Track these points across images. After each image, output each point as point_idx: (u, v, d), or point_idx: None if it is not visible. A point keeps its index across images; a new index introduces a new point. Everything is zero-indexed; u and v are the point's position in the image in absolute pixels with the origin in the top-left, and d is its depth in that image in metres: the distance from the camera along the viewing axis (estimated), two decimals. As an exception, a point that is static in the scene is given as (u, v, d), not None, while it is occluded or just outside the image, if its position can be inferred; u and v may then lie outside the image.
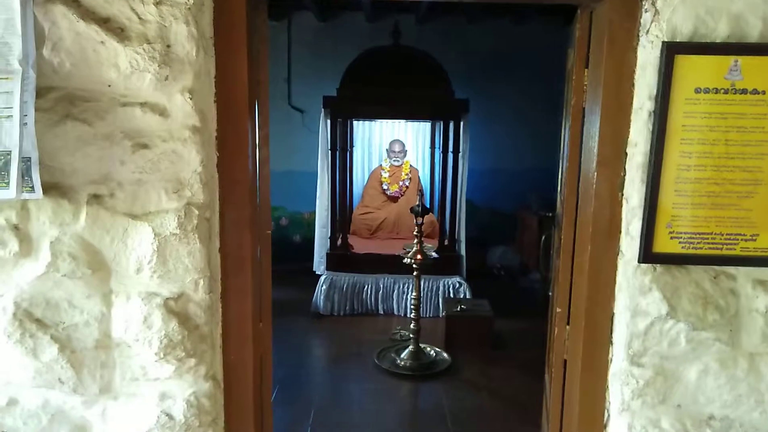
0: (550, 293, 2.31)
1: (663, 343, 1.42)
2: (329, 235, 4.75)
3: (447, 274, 4.68)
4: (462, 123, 4.60)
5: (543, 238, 2.48)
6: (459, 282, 4.72)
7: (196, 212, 1.39)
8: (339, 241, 4.78)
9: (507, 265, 5.96)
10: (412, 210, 3.68)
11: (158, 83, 1.32)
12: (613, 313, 1.50)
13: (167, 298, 1.40)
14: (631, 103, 1.41)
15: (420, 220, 3.66)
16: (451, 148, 4.64)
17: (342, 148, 4.66)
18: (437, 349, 3.96)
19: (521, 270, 5.89)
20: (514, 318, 4.71)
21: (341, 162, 4.68)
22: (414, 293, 3.76)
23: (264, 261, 1.66)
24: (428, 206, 4.21)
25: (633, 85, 1.41)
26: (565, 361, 1.66)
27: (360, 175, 5.91)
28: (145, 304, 1.38)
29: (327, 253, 4.74)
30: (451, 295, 4.70)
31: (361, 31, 5.77)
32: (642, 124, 1.38)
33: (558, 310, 1.69)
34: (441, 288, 4.71)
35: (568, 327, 1.64)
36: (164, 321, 1.39)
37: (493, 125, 5.95)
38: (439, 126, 5.58)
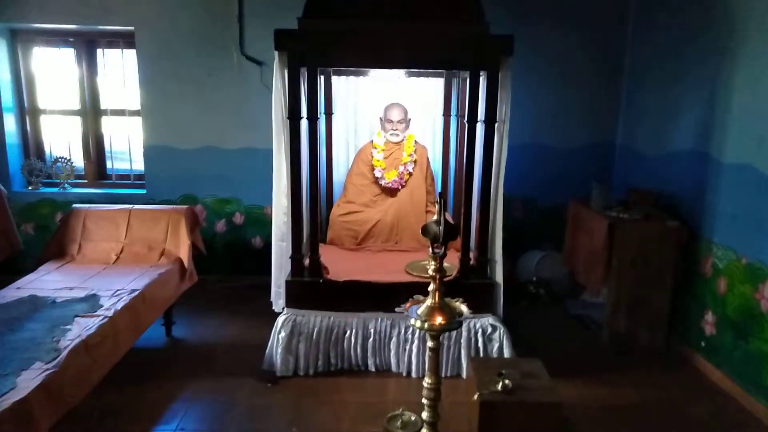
0: None
1: None
2: (291, 252, 3.05)
3: (474, 312, 2.99)
4: (501, 74, 2.85)
5: None
6: (492, 325, 3.04)
7: None
8: (306, 261, 3.08)
9: (548, 279, 4.29)
10: (426, 231, 1.97)
11: None
12: None
13: None
14: None
15: (440, 248, 1.96)
16: (482, 116, 2.90)
17: (310, 117, 2.91)
18: (466, 461, 2.33)
19: (570, 289, 4.23)
20: (575, 377, 3.08)
21: (310, 138, 2.94)
22: (430, 379, 2.09)
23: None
24: (448, 212, 2.46)
25: None
26: None
27: (343, 157, 4.16)
28: None
29: (287, 281, 3.05)
30: (481, 347, 3.03)
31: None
32: None
33: None
34: (465, 334, 3.04)
35: None
36: None
37: (529, 85, 4.21)
38: (458, 81, 3.83)
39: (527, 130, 4.36)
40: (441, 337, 2.72)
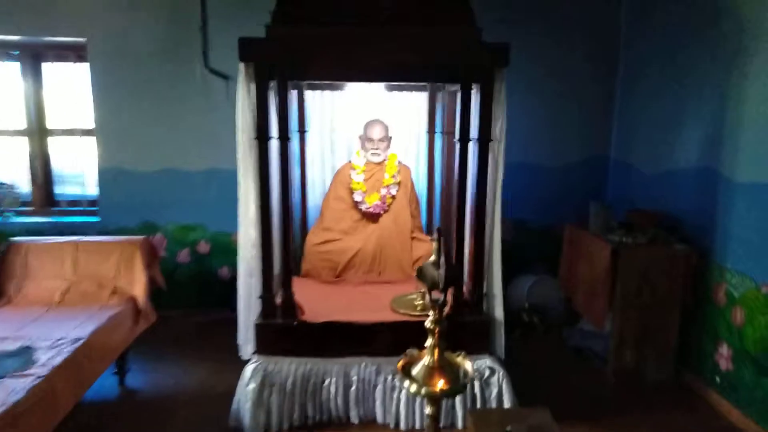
0: None
1: None
2: (260, 290, 2.67)
3: (470, 353, 2.65)
4: (495, 87, 2.55)
5: None
6: (491, 367, 2.70)
7: None
8: (279, 300, 2.71)
9: (542, 306, 3.98)
10: (422, 275, 1.63)
11: None
12: None
13: None
14: None
15: (440, 296, 1.63)
16: (475, 134, 2.59)
17: (281, 136, 2.56)
18: None
19: (566, 316, 3.92)
20: (584, 423, 2.76)
21: (281, 160, 2.59)
22: (426, 450, 1.73)
23: None
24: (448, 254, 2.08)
25: None
26: None
27: (318, 180, 3.80)
28: None
29: (256, 324, 2.67)
30: (478, 393, 2.69)
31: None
32: None
33: None
34: (459, 378, 2.69)
35: None
36: None
37: (520, 98, 3.93)
38: (443, 95, 3.54)
39: (514, 147, 4.06)
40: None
